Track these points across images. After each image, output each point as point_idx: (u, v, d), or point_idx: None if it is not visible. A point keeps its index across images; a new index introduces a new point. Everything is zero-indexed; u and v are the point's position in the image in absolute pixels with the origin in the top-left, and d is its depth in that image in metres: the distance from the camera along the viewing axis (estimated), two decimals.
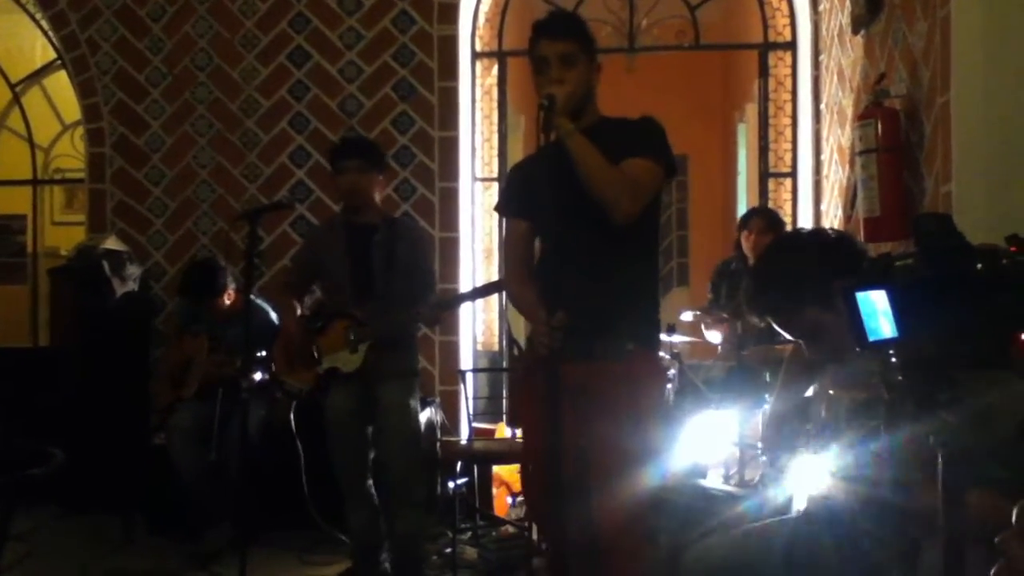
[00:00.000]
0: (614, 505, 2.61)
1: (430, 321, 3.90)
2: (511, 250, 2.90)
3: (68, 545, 4.77)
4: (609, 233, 2.63)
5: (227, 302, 4.83)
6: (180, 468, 4.60)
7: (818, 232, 2.90)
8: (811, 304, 2.17)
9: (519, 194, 2.87)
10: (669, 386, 4.70)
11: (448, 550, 4.41)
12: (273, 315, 4.97)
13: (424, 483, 4.00)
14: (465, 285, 5.63)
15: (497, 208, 3.08)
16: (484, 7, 6.02)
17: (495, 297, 5.90)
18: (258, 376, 4.72)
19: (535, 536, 3.25)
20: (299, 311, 4.04)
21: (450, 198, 5.65)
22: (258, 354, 4.72)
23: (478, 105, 6.04)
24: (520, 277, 2.83)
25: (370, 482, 3.89)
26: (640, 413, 2.66)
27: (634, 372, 2.67)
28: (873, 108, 3.91)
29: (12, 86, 6.52)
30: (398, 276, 3.80)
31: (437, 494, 5.13)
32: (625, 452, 2.61)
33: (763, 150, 6.02)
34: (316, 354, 3.90)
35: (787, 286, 2.24)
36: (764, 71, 6.01)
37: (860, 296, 1.49)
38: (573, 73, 2.68)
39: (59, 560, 4.58)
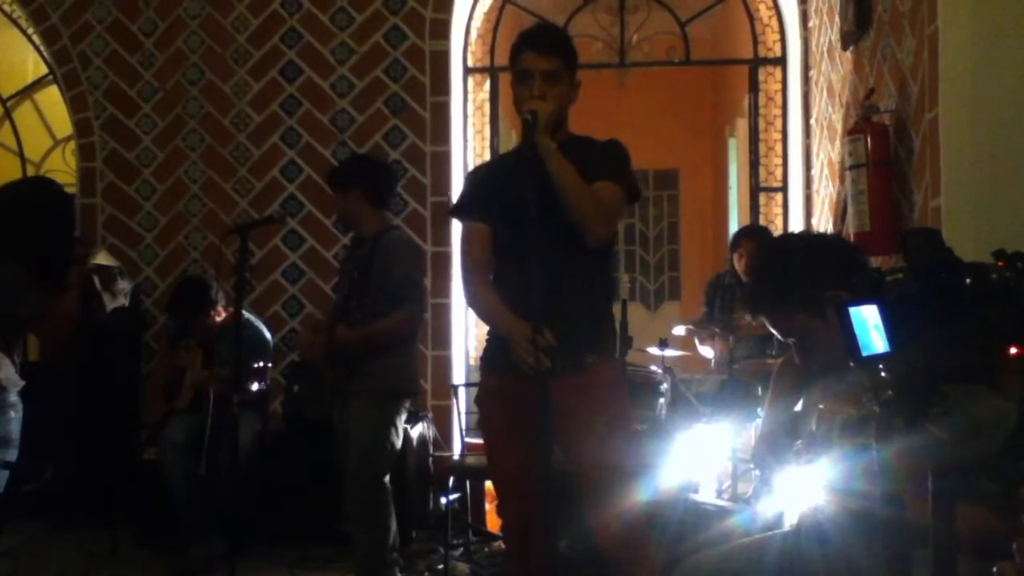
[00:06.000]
0: (601, 519, 2.65)
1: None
2: (475, 252, 2.83)
3: (56, 560, 4.73)
4: (568, 249, 2.63)
5: (216, 319, 4.82)
6: (171, 481, 4.58)
7: (811, 238, 2.88)
8: (799, 311, 2.17)
9: (480, 199, 2.84)
10: (661, 400, 4.69)
11: (440, 566, 4.39)
12: (265, 329, 4.98)
13: (375, 506, 3.72)
14: (457, 299, 5.62)
15: (454, 211, 2.98)
16: (476, 23, 6.04)
17: None
18: (256, 387, 4.72)
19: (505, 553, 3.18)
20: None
21: (442, 213, 5.65)
22: (255, 365, 4.72)
23: (470, 120, 6.05)
24: (484, 279, 2.81)
25: None
26: (608, 422, 2.68)
27: (596, 382, 2.69)
28: (862, 123, 3.93)
29: (3, 101, 6.51)
30: (370, 291, 3.73)
31: (429, 509, 5.12)
32: (598, 462, 2.66)
33: (754, 165, 6.04)
34: None
35: (776, 291, 2.24)
36: (754, 86, 6.03)
37: (852, 311, 1.50)
38: (556, 90, 2.68)
39: (47, 575, 4.55)
